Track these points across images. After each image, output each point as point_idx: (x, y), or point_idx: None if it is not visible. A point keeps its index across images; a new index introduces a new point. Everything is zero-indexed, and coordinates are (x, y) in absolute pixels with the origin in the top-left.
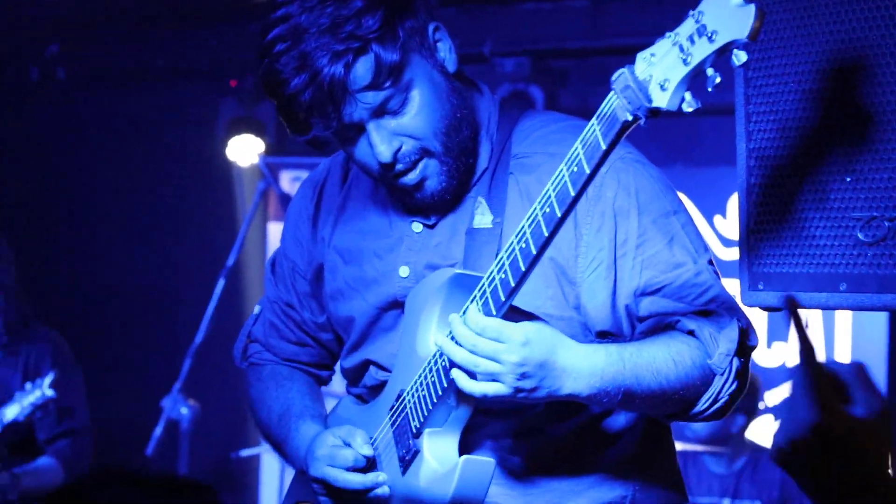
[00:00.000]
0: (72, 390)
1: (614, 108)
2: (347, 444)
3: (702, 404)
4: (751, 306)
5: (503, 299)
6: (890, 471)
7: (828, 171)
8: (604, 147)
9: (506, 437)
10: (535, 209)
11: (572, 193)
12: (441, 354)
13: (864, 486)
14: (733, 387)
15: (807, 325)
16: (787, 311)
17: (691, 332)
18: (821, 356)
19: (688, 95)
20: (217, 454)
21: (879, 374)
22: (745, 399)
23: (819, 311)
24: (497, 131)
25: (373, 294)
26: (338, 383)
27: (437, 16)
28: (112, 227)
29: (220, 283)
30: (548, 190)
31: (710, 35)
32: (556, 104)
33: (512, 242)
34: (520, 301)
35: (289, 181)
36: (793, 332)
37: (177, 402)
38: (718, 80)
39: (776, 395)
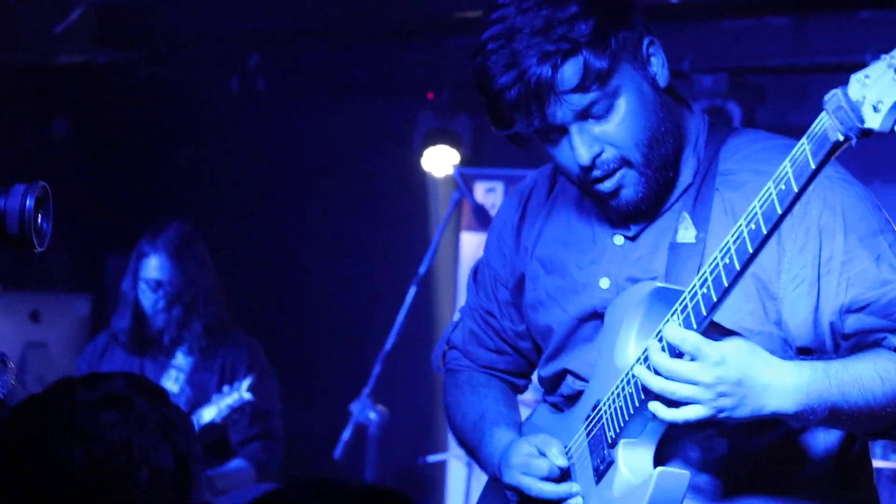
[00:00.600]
0: (267, 395)
1: (825, 128)
2: (542, 454)
3: None
4: None
5: (704, 314)
6: None
7: None
8: (813, 166)
9: (702, 451)
10: (740, 225)
11: (779, 211)
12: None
13: None
14: None
15: None
16: None
17: None
18: None
19: None
20: (404, 459)
21: None
22: None
23: None
24: (705, 148)
25: (572, 304)
26: (530, 392)
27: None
28: (309, 235)
29: (412, 291)
30: (754, 206)
31: None
32: (753, 120)
33: (716, 257)
34: (719, 316)
35: (483, 192)
36: None
37: (365, 407)
38: None
39: None
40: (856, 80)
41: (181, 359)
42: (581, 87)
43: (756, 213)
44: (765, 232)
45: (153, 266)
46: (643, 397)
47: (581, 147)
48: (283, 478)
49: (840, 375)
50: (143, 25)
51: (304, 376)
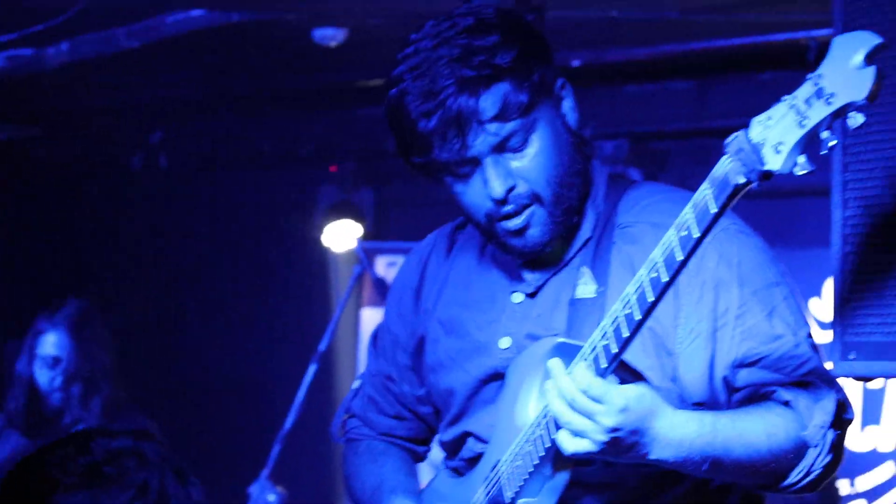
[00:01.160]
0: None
1: (727, 171)
2: None
3: (793, 476)
4: (843, 376)
5: (605, 366)
6: None
7: None
8: (714, 210)
9: None
10: (640, 275)
11: (680, 258)
12: (539, 423)
13: None
14: (827, 459)
15: None
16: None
17: (787, 403)
18: None
19: (801, 159)
20: None
21: None
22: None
23: None
24: (603, 202)
25: (473, 366)
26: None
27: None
28: (208, 312)
29: (312, 369)
30: (655, 255)
31: (827, 98)
32: None
33: (616, 309)
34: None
35: (384, 266)
36: (885, 415)
37: (264, 489)
38: (833, 142)
39: (868, 480)
40: (757, 122)
41: None
42: (502, 116)
43: (657, 262)
44: (665, 280)
45: (50, 342)
46: (542, 454)
47: (495, 180)
48: None
49: (726, 431)
50: (43, 102)
51: (201, 457)
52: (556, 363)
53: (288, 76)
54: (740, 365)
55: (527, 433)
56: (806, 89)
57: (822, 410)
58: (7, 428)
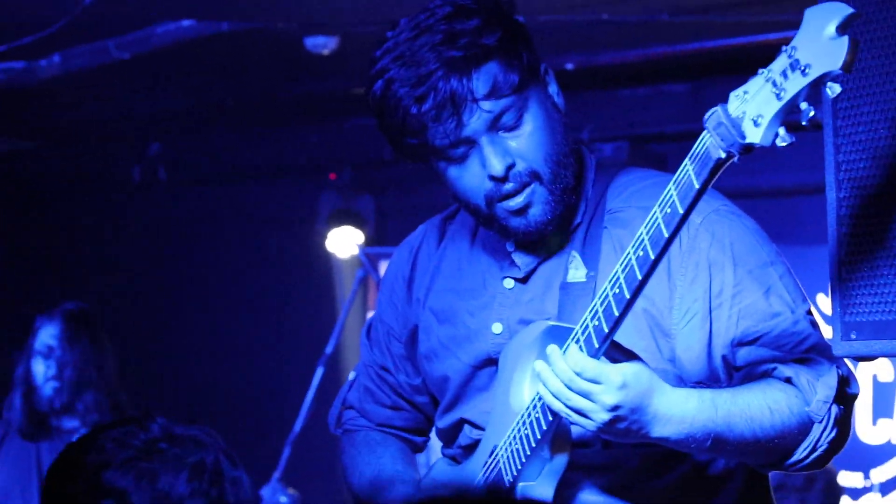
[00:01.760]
0: None
1: (707, 146)
2: None
3: (799, 453)
4: (843, 357)
5: (596, 346)
6: None
7: None
8: (697, 186)
9: (601, 493)
10: (628, 254)
11: (666, 235)
12: (535, 406)
13: None
14: (832, 434)
15: None
16: None
17: (788, 380)
18: None
19: (781, 131)
20: None
21: None
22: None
23: None
24: (592, 187)
25: (466, 352)
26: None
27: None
28: (214, 321)
29: (319, 372)
30: (641, 233)
31: (803, 69)
32: None
33: (605, 288)
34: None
35: None
36: None
37: (276, 492)
38: (812, 113)
39: (883, 473)
40: (735, 96)
41: None
42: (495, 93)
43: (643, 240)
44: (652, 257)
45: (47, 334)
46: (539, 437)
47: (494, 157)
48: None
49: (727, 406)
50: (37, 114)
51: None
52: (553, 349)
53: (281, 85)
54: (739, 344)
55: (523, 417)
56: (781, 61)
57: (825, 385)
58: (7, 435)
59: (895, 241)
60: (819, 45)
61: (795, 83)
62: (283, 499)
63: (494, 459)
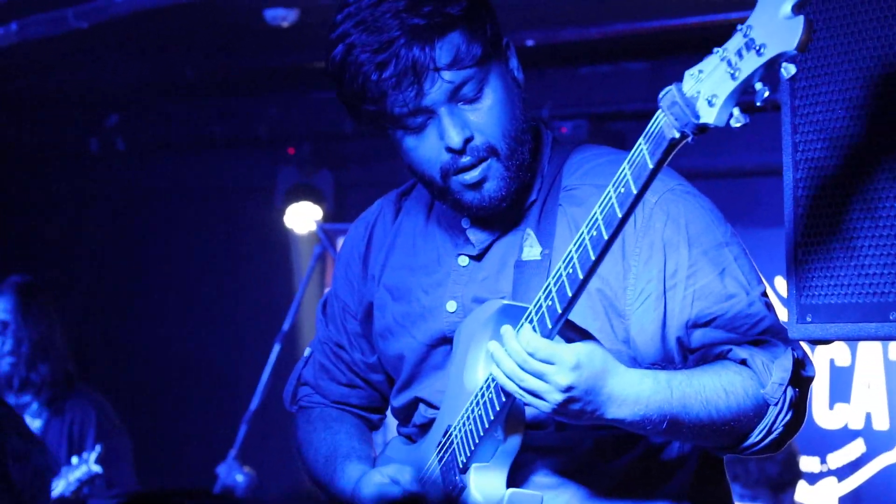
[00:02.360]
0: (117, 456)
1: (661, 125)
2: (395, 482)
3: (755, 436)
4: (799, 340)
5: (550, 326)
6: None
7: (879, 196)
8: (651, 166)
9: (555, 475)
10: (581, 233)
11: (619, 215)
12: (488, 386)
13: None
14: (787, 417)
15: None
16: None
17: (743, 362)
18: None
19: (736, 111)
20: None
21: None
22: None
23: (882, 376)
24: (548, 164)
25: (421, 331)
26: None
27: None
28: (169, 293)
29: (276, 348)
30: (595, 213)
31: (758, 48)
32: None
33: (559, 268)
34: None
35: None
36: (855, 393)
37: (232, 469)
38: (767, 93)
39: (840, 458)
40: (689, 75)
41: (30, 422)
42: (456, 63)
43: (597, 219)
44: (606, 237)
45: None
46: (493, 418)
47: (452, 129)
48: None
49: (682, 388)
50: None
51: (167, 439)
52: (507, 329)
53: (241, 57)
54: (694, 325)
55: (476, 397)
56: (736, 41)
57: (780, 367)
58: None
59: (850, 224)
60: (774, 25)
61: (750, 63)
62: (240, 477)
63: (448, 439)
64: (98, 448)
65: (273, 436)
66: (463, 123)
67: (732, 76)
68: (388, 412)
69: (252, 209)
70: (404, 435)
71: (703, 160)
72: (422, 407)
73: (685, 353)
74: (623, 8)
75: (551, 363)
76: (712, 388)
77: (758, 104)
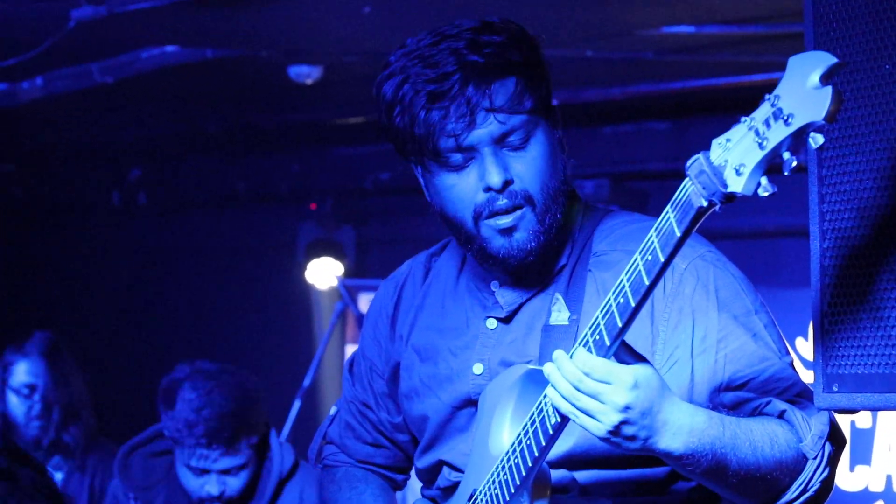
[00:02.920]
0: None
1: (689, 194)
2: None
3: (792, 492)
4: (825, 409)
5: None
6: None
7: None
8: (678, 234)
9: None
10: (608, 300)
11: (646, 282)
12: (514, 451)
13: None
14: (825, 473)
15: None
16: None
17: (782, 414)
18: None
19: (763, 180)
20: None
21: None
22: None
23: None
24: (580, 230)
25: (447, 392)
26: None
27: None
28: (190, 349)
29: (297, 404)
30: (622, 280)
31: (786, 118)
32: None
33: (586, 334)
34: None
35: (366, 303)
36: (875, 455)
37: None
38: (795, 163)
39: None
40: (717, 144)
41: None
42: (510, 109)
43: (624, 286)
44: (633, 304)
45: (23, 371)
46: (518, 483)
47: (495, 168)
48: None
49: (733, 427)
50: (17, 137)
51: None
52: (560, 353)
53: (264, 114)
54: (727, 388)
55: (502, 461)
56: (764, 110)
57: (819, 422)
58: None
59: (878, 294)
60: (802, 95)
61: (778, 133)
62: None
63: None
64: None
65: None
66: (505, 166)
67: (760, 146)
68: (412, 472)
69: (274, 265)
70: (428, 497)
71: (725, 221)
72: (446, 470)
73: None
74: (647, 68)
75: (608, 382)
76: (759, 434)
77: (786, 173)
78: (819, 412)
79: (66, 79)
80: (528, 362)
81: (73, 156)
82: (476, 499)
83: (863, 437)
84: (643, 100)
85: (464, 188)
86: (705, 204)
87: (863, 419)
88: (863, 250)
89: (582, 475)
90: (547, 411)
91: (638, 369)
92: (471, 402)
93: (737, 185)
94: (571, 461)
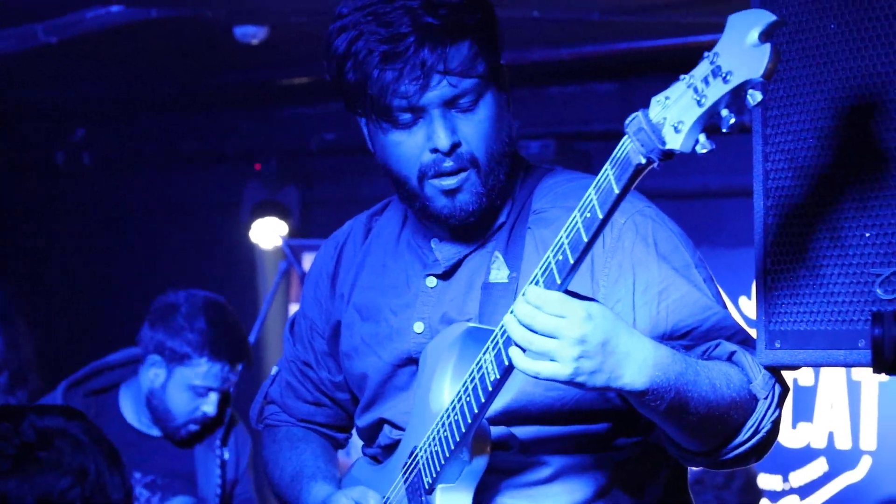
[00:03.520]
0: None
1: (628, 151)
2: None
3: (744, 433)
4: (768, 365)
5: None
6: None
7: (847, 225)
8: (617, 191)
9: (520, 496)
10: (547, 257)
11: (585, 239)
12: (454, 407)
13: None
14: (776, 414)
15: (832, 406)
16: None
17: (731, 356)
18: (845, 441)
19: (702, 137)
20: None
21: None
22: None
23: (845, 396)
24: (520, 189)
25: (387, 351)
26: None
27: None
28: (135, 307)
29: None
30: (561, 237)
31: (724, 76)
32: None
33: (525, 292)
34: None
35: (310, 262)
36: (818, 412)
37: None
38: (733, 120)
39: (802, 476)
40: (656, 101)
41: None
42: (463, 71)
43: (563, 244)
44: (571, 262)
45: None
46: (458, 439)
47: (443, 131)
48: None
49: (695, 365)
50: None
51: None
52: (520, 296)
53: (210, 74)
54: (670, 338)
55: (442, 418)
56: (703, 67)
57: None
58: None
59: (819, 252)
60: (741, 52)
61: (716, 90)
62: None
63: (414, 460)
64: None
65: None
66: (454, 129)
67: (699, 103)
68: (354, 431)
69: (218, 225)
70: (369, 455)
71: (668, 180)
72: (387, 428)
73: None
74: (593, 29)
75: (562, 316)
76: (717, 372)
77: (724, 130)
78: None
79: (10, 39)
80: (468, 320)
81: (17, 116)
82: (416, 455)
83: (805, 395)
84: (589, 61)
85: (410, 147)
86: (644, 161)
87: (805, 377)
88: (805, 209)
89: (521, 431)
90: (486, 367)
91: (590, 303)
92: (411, 361)
93: (675, 142)
94: (510, 417)
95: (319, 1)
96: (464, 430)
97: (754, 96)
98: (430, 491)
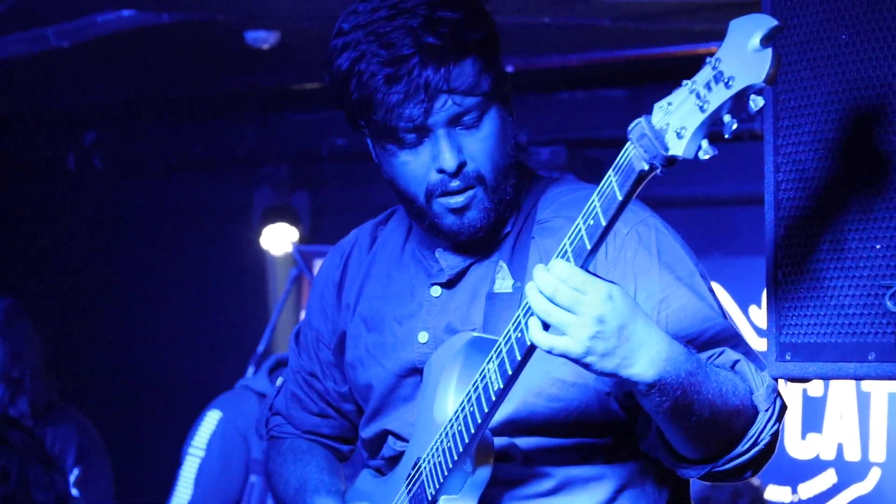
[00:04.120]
0: (97, 481)
1: (631, 158)
2: None
3: (743, 444)
4: (778, 378)
5: (519, 359)
6: None
7: (857, 237)
8: (620, 198)
9: None
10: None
11: (588, 246)
12: (457, 417)
13: None
14: (775, 427)
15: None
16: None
17: (734, 365)
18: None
19: (704, 143)
20: None
21: None
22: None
23: (854, 407)
24: (525, 199)
25: (392, 361)
26: None
27: None
28: (144, 313)
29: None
30: (564, 245)
31: (726, 81)
32: None
33: (525, 304)
34: (533, 364)
35: None
36: (827, 423)
37: None
38: (735, 126)
39: (811, 488)
40: (659, 107)
41: None
42: (466, 90)
43: (567, 251)
44: None
45: None
46: (461, 450)
47: (448, 151)
48: None
49: (705, 367)
50: None
51: (140, 458)
52: (539, 266)
53: (221, 78)
54: None
55: (446, 429)
56: (705, 73)
57: (770, 377)
58: None
59: (830, 265)
60: (743, 57)
61: (719, 95)
62: None
63: (417, 472)
64: (76, 472)
65: None
66: (459, 148)
67: (701, 108)
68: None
69: (228, 230)
70: (373, 468)
71: (677, 189)
72: (391, 439)
73: None
74: (604, 35)
75: (584, 293)
76: (724, 377)
77: (726, 136)
78: (765, 370)
79: (21, 42)
80: (472, 330)
81: (28, 120)
82: (420, 467)
83: (814, 406)
84: (600, 67)
85: (417, 166)
86: (647, 167)
87: (814, 388)
88: (815, 221)
89: (524, 442)
90: (490, 377)
91: (613, 285)
92: (416, 371)
93: (678, 148)
94: (512, 427)
95: (331, 6)
96: (467, 441)
97: (756, 102)
98: (433, 502)
